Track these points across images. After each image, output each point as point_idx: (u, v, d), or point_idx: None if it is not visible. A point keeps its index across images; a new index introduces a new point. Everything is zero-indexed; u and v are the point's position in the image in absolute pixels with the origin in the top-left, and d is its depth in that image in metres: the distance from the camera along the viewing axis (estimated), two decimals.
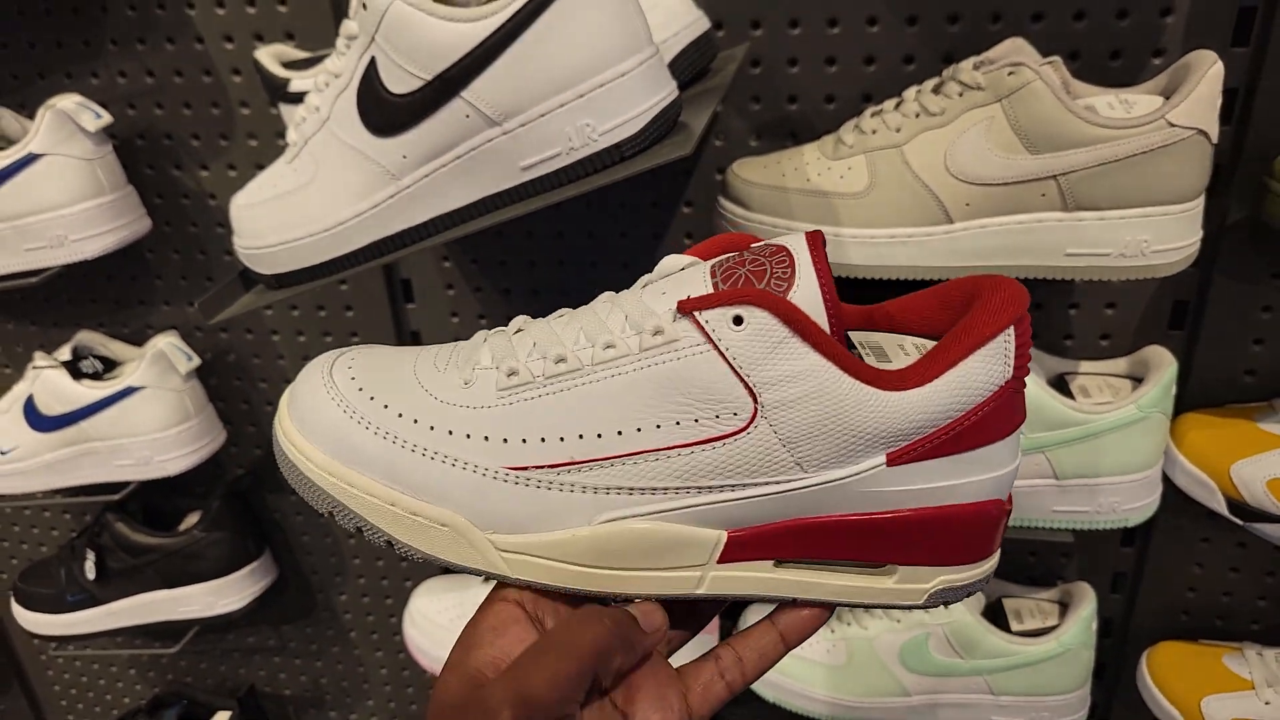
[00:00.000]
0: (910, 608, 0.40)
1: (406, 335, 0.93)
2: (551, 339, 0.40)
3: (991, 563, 0.41)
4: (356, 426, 0.39)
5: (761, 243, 0.40)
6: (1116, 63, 0.68)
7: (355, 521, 0.39)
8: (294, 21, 0.80)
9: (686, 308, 0.36)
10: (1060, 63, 0.61)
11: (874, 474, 0.37)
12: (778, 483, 0.37)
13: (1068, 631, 0.80)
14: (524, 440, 0.38)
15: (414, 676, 1.17)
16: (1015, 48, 0.61)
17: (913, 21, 0.70)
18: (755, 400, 0.36)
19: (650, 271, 0.42)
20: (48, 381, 0.91)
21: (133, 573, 1.03)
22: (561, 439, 0.38)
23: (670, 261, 0.42)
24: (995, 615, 0.85)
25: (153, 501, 1.05)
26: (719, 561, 0.39)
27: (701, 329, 0.36)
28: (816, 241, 0.37)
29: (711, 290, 0.37)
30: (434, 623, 0.96)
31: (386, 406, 0.40)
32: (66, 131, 0.80)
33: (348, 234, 0.56)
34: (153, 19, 0.82)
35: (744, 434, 0.36)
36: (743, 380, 0.36)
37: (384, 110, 0.52)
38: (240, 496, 1.03)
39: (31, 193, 0.81)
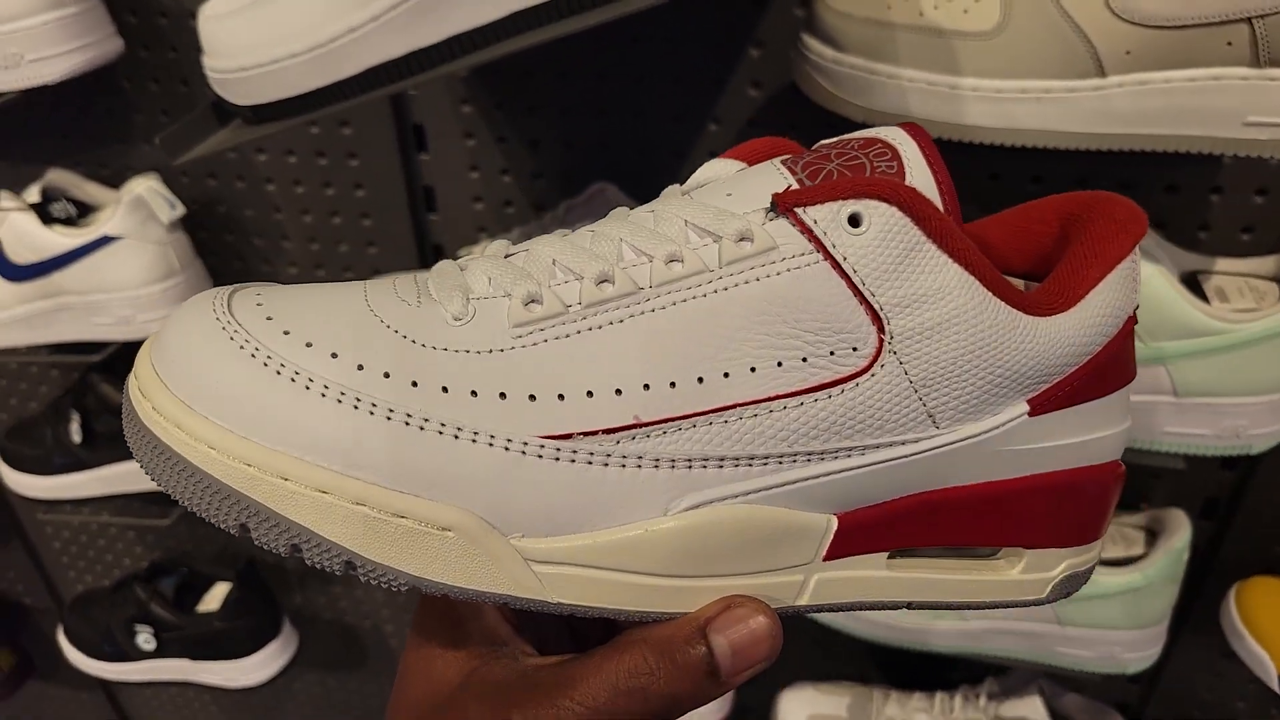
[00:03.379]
0: (1033, 603, 0.33)
1: (419, 191, 0.81)
2: (581, 255, 0.29)
3: (1102, 543, 0.34)
4: (289, 386, 0.26)
5: (840, 137, 0.30)
6: None
7: (291, 537, 0.26)
8: None
9: (786, 202, 0.27)
10: None
11: (1016, 427, 0.29)
12: (904, 443, 0.29)
13: (1155, 564, 0.71)
14: (561, 396, 0.27)
15: None
16: None
17: None
18: (881, 330, 0.28)
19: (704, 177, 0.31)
20: (15, 226, 0.81)
21: (121, 438, 0.95)
22: (619, 391, 0.27)
23: (714, 167, 0.31)
24: None
25: None
26: (825, 559, 0.30)
27: (808, 231, 0.27)
28: (921, 134, 0.29)
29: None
30: None
31: (335, 356, 0.26)
32: None
33: (338, 55, 0.44)
34: None
35: (867, 375, 0.28)
36: (865, 302, 0.27)
37: None
38: None
39: None
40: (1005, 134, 0.51)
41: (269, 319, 0.27)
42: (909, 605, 0.32)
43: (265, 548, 0.26)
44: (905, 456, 0.29)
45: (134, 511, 0.99)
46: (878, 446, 0.29)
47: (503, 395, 0.27)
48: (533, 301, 0.28)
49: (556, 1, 0.40)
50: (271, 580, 1.14)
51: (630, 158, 0.73)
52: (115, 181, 0.85)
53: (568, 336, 0.27)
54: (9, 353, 0.92)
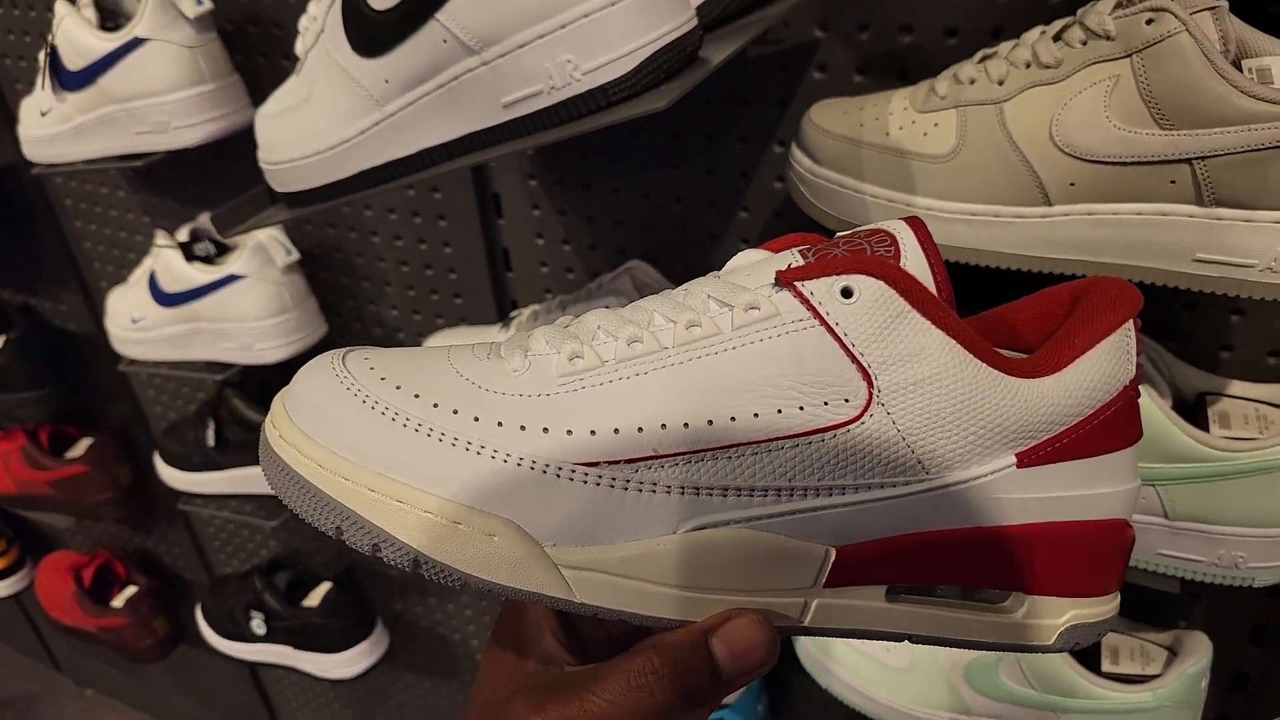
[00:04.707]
0: (1039, 649, 0.34)
1: (498, 252, 0.89)
2: (619, 322, 0.34)
3: (1117, 600, 0.35)
4: (381, 419, 0.32)
5: (854, 229, 0.34)
6: None
7: (373, 538, 0.31)
8: None
9: (787, 278, 0.32)
10: (1225, 12, 0.46)
11: (1004, 477, 0.32)
12: (895, 484, 0.32)
13: (1168, 685, 0.68)
14: (593, 432, 0.32)
15: None
16: None
17: None
18: (870, 384, 0.31)
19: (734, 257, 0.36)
20: (165, 261, 0.95)
21: (245, 446, 1.09)
22: (640, 429, 0.32)
23: (746, 255, 0.36)
24: (1088, 648, 0.73)
25: (268, 380, 1.09)
26: (825, 585, 0.33)
27: (805, 301, 0.32)
28: (920, 225, 0.33)
29: None
30: None
31: (418, 396, 0.33)
32: (169, 17, 0.80)
33: (338, 159, 0.52)
34: None
35: (858, 423, 0.31)
36: (855, 360, 0.31)
37: (366, 27, 0.47)
38: None
39: (138, 77, 0.82)
40: (956, 252, 0.52)
41: (371, 369, 0.34)
42: (909, 638, 0.34)
43: (353, 547, 0.32)
44: (897, 497, 0.32)
45: (248, 511, 1.12)
46: (869, 486, 0.32)
47: (545, 430, 0.32)
48: (576, 357, 0.33)
49: (493, 129, 0.46)
50: (373, 588, 1.25)
51: (670, 237, 0.78)
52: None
53: (600, 385, 0.32)
54: (166, 365, 1.07)
